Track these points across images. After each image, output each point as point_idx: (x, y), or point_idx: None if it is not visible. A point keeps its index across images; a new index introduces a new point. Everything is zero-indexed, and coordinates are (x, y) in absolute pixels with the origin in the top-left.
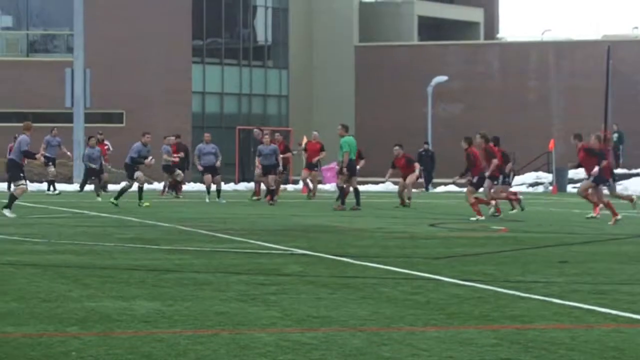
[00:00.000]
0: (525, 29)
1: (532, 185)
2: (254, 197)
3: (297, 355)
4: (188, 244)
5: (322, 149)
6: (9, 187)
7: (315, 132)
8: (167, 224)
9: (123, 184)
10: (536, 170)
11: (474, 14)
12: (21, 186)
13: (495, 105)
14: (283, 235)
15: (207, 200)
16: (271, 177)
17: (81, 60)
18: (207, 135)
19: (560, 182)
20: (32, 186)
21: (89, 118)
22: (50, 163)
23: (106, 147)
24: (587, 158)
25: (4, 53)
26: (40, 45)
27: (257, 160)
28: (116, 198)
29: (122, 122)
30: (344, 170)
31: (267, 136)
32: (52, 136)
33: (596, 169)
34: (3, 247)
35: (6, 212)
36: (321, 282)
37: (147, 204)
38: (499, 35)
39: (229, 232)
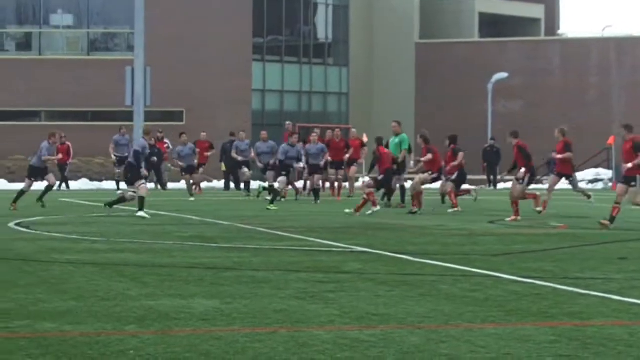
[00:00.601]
0: (586, 25)
1: (591, 181)
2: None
3: (355, 353)
4: (247, 242)
5: (363, 145)
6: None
7: (354, 129)
8: (226, 222)
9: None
10: (596, 167)
11: (535, 10)
12: (143, 186)
13: (556, 102)
14: (342, 232)
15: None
16: (317, 177)
17: (142, 59)
18: (263, 134)
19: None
20: (92, 185)
21: (148, 116)
22: (118, 163)
23: (166, 145)
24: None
25: (65, 52)
26: (101, 44)
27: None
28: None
29: (182, 121)
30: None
31: (314, 135)
32: (120, 135)
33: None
34: (62, 246)
35: (141, 214)
36: (380, 279)
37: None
38: (559, 32)
39: (288, 230)
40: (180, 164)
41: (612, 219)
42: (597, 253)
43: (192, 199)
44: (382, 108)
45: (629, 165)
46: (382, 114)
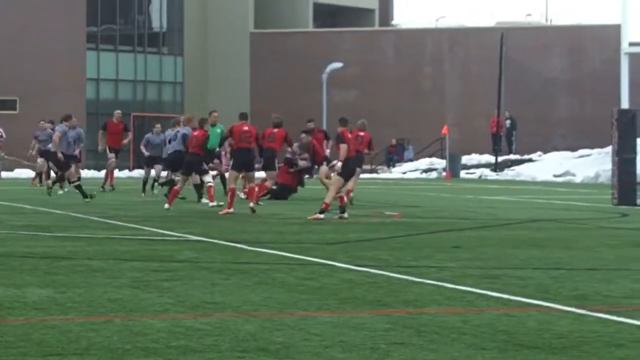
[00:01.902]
0: (420, 16)
1: (425, 171)
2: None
3: (189, 341)
4: (81, 231)
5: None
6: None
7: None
8: (60, 211)
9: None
10: (430, 156)
11: (369, 1)
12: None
13: (390, 92)
14: (177, 222)
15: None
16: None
17: None
18: (157, 126)
19: (454, 168)
20: None
21: None
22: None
23: None
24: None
25: None
26: None
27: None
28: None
29: (15, 109)
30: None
31: (158, 126)
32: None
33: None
34: None
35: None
36: (215, 268)
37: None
38: (393, 22)
39: (122, 219)
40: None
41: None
42: (432, 242)
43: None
44: (217, 98)
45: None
46: (217, 104)
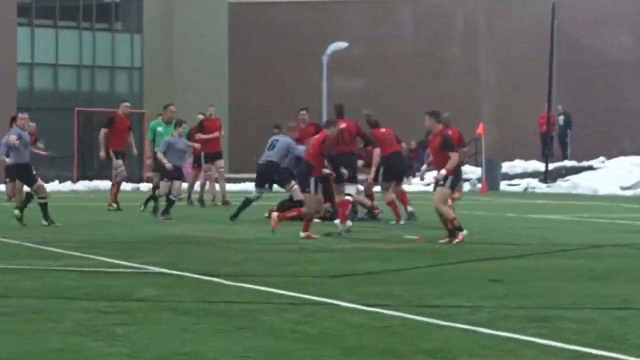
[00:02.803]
0: None
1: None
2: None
3: None
4: (13, 262)
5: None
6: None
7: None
8: None
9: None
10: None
11: None
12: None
13: (408, 78)
14: (135, 248)
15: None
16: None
17: None
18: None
19: (492, 178)
20: None
21: None
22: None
23: None
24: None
25: None
26: None
27: None
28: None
29: None
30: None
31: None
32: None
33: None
34: None
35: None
36: (184, 308)
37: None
38: None
39: (65, 245)
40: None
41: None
42: (462, 273)
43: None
44: (187, 86)
45: (443, 171)
46: (187, 94)
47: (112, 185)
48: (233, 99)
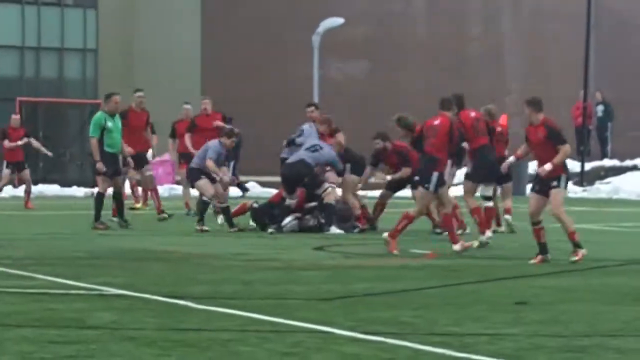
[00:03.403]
0: None
1: None
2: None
3: None
4: None
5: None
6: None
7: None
8: None
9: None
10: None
11: None
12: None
13: (419, 63)
14: (89, 266)
15: None
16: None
17: None
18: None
19: (517, 179)
20: None
21: None
22: None
23: None
24: None
25: None
26: None
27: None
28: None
29: None
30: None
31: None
32: None
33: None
34: None
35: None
36: (146, 338)
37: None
38: None
39: (4, 262)
40: None
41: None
42: (483, 295)
43: None
44: (149, 73)
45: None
46: (150, 83)
47: (150, 191)
48: (207, 87)
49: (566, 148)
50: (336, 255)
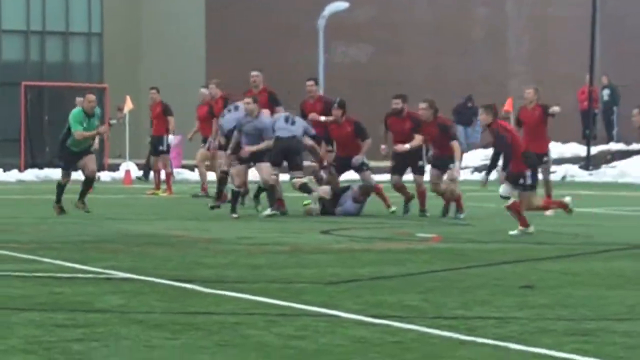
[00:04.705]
0: None
1: (479, 169)
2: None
3: None
4: None
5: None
6: None
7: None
8: None
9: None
10: (485, 146)
11: None
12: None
13: (424, 46)
14: (96, 250)
15: None
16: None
17: None
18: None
19: None
20: None
21: None
22: None
23: None
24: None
25: None
26: None
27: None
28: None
29: None
30: None
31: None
32: None
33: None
34: None
35: None
36: (154, 321)
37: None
38: None
39: (10, 246)
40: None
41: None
42: (488, 279)
43: None
44: (156, 58)
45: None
46: (155, 67)
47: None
48: (212, 71)
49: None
50: (342, 239)
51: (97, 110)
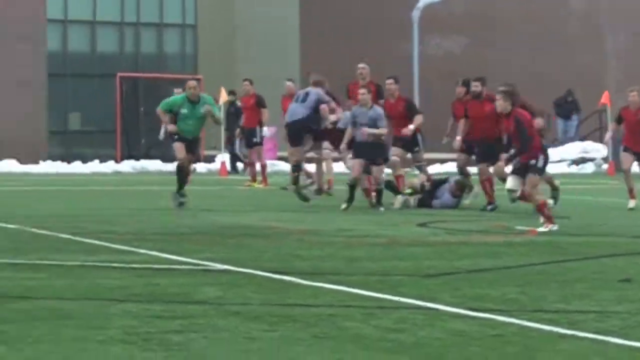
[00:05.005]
0: None
1: (576, 162)
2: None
3: None
4: (46, 256)
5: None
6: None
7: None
8: (13, 225)
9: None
10: (583, 139)
11: None
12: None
13: (517, 38)
14: (192, 241)
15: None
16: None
17: None
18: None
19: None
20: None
21: None
22: None
23: None
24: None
25: None
26: None
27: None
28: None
29: None
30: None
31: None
32: None
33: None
34: None
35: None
36: (252, 313)
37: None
38: None
39: (106, 237)
40: None
41: None
42: (588, 273)
43: None
44: (250, 49)
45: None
46: (249, 59)
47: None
48: (305, 62)
49: None
50: (439, 231)
51: (206, 98)
